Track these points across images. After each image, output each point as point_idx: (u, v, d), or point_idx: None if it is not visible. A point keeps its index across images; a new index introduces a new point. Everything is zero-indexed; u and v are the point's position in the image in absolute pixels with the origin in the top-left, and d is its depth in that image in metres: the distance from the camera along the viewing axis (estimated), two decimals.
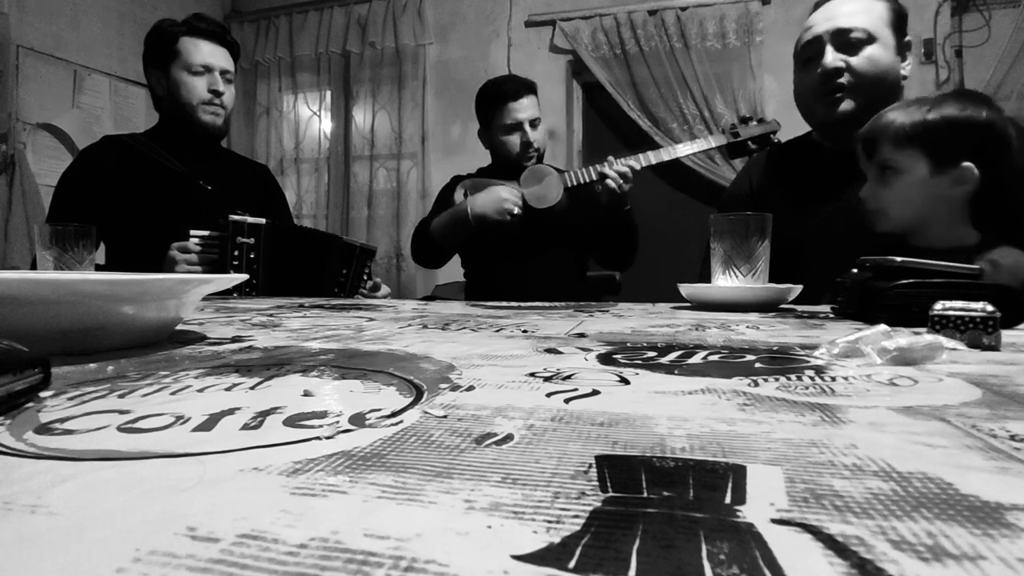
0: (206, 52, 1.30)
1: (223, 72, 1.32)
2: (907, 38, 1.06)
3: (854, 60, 1.03)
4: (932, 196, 0.82)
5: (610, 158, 1.40)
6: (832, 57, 1.03)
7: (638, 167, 1.39)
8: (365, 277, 1.32)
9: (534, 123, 1.54)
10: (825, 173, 1.09)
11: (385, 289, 1.39)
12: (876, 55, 1.02)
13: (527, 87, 1.55)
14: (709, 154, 2.65)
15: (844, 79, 1.03)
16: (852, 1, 1.05)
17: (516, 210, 1.40)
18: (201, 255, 1.16)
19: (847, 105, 1.04)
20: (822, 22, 1.06)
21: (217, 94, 1.31)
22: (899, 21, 1.05)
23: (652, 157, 1.41)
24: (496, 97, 1.54)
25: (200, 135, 1.33)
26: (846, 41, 1.03)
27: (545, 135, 1.59)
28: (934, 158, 0.81)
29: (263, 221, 1.18)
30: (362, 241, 1.35)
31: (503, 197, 1.40)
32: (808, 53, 1.08)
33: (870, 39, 1.02)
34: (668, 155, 1.41)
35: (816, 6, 1.10)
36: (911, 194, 0.83)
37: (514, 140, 1.52)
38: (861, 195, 0.89)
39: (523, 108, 1.52)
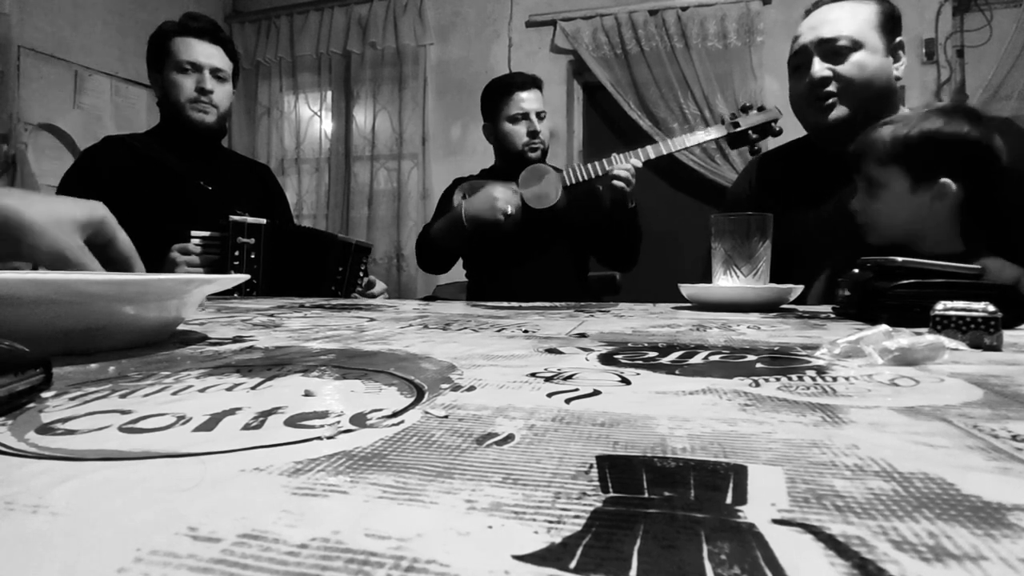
0: (195, 50, 1.30)
1: (214, 70, 1.32)
2: (899, 39, 1.06)
3: (841, 68, 1.03)
4: (915, 210, 0.85)
5: (614, 155, 1.39)
6: (819, 67, 1.04)
7: (639, 163, 1.39)
8: (361, 274, 1.32)
9: (540, 115, 1.55)
10: (822, 174, 1.10)
11: (381, 286, 1.38)
12: (863, 60, 1.02)
13: (534, 81, 1.57)
14: (709, 154, 2.65)
15: (832, 87, 1.04)
16: (839, 8, 1.05)
17: (509, 209, 1.39)
18: (202, 256, 1.16)
19: (839, 111, 1.04)
20: (808, 32, 1.06)
21: (204, 92, 1.30)
22: (889, 22, 1.04)
23: (652, 152, 1.40)
24: (504, 88, 1.55)
25: (192, 133, 1.32)
26: (831, 50, 1.03)
27: (549, 132, 1.59)
28: (913, 174, 0.84)
29: (263, 221, 1.18)
30: (357, 239, 1.34)
31: (495, 196, 1.40)
32: (797, 61, 1.09)
33: (855, 46, 1.02)
34: (667, 148, 1.40)
35: (807, 12, 1.10)
36: (895, 208, 0.87)
37: (520, 130, 1.53)
38: (852, 207, 0.92)
39: (530, 99, 1.54)
